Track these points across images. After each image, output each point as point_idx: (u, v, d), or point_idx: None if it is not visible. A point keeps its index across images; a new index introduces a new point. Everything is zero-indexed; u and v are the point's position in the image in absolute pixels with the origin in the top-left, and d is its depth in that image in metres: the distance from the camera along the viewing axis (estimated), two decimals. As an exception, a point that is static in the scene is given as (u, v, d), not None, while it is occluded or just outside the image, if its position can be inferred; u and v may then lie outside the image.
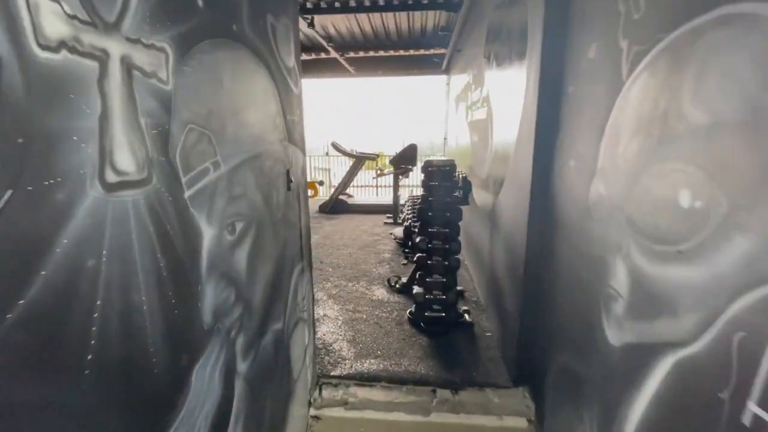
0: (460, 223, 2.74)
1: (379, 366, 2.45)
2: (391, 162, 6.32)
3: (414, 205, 4.88)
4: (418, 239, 2.73)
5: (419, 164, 7.13)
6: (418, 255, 2.75)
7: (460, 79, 5.72)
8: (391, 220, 6.60)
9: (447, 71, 7.66)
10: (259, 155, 1.48)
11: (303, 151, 2.06)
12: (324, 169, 12.80)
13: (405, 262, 4.42)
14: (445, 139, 7.81)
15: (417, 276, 2.84)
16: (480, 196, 3.48)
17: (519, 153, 2.24)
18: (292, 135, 1.86)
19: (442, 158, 2.76)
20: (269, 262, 1.57)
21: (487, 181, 3.16)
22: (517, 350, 2.20)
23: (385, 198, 9.00)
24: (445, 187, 2.67)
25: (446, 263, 2.71)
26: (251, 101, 1.42)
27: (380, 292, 3.62)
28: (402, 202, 6.96)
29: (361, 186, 11.12)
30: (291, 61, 1.86)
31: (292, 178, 1.81)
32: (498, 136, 2.82)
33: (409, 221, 3.59)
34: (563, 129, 1.73)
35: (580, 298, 1.49)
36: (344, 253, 4.87)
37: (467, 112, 4.70)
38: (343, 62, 7.61)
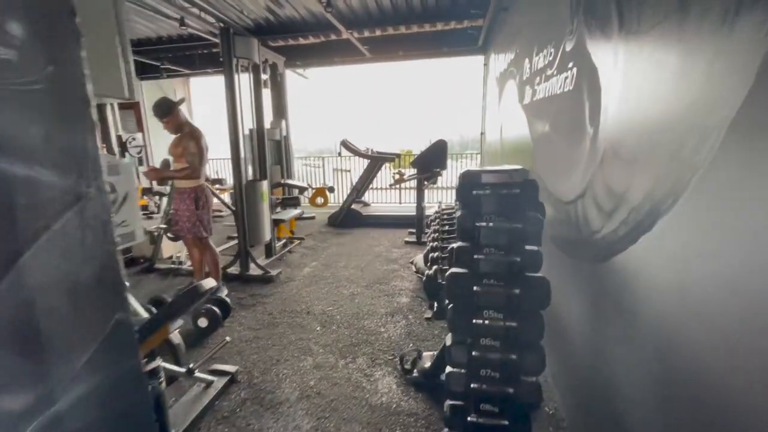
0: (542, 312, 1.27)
1: None
2: (414, 164, 4.88)
3: (442, 226, 3.42)
4: (451, 343, 1.29)
5: (452, 165, 5.61)
6: (449, 372, 1.32)
7: (505, 53, 4.18)
8: (413, 238, 5.16)
9: (485, 47, 6.09)
10: None
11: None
12: (344, 171, 11.45)
13: (429, 315, 2.98)
14: (482, 134, 6.26)
15: (451, 411, 1.39)
16: (562, 231, 1.98)
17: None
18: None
19: (503, 167, 1.23)
20: None
21: (583, 203, 1.66)
22: None
23: (410, 205, 7.55)
24: (512, 231, 1.21)
25: (511, 391, 1.26)
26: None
27: (387, 385, 2.20)
28: (429, 213, 5.50)
29: (382, 189, 9.57)
30: None
31: None
32: (622, 111, 1.33)
33: (434, 268, 2.16)
34: None
35: None
36: (345, 295, 3.48)
37: (521, 91, 3.18)
38: (357, 43, 6.23)
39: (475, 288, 1.23)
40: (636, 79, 1.25)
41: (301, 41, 6.48)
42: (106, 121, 4.59)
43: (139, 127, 7.31)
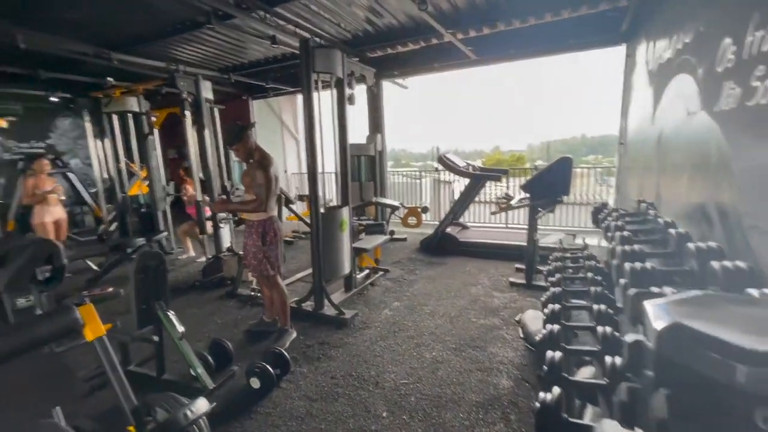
0: None
1: None
2: (526, 188, 3.89)
3: (565, 283, 2.43)
4: None
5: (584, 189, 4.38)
6: None
7: (671, 35, 2.93)
8: (522, 279, 4.14)
9: (630, 33, 4.70)
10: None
11: None
12: (444, 182, 10.59)
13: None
14: (621, 143, 4.83)
15: None
16: None
17: None
18: None
19: None
20: None
21: None
22: None
23: (518, 229, 6.42)
24: None
25: None
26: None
27: None
28: (545, 244, 4.39)
29: (483, 202, 8.22)
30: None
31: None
32: None
33: (557, 393, 1.31)
34: None
35: None
36: (426, 360, 2.75)
37: (710, 90, 2.02)
38: (460, 45, 5.46)
39: None
40: None
41: (399, 49, 5.99)
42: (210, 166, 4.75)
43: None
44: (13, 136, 7.26)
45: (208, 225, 4.64)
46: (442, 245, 5.53)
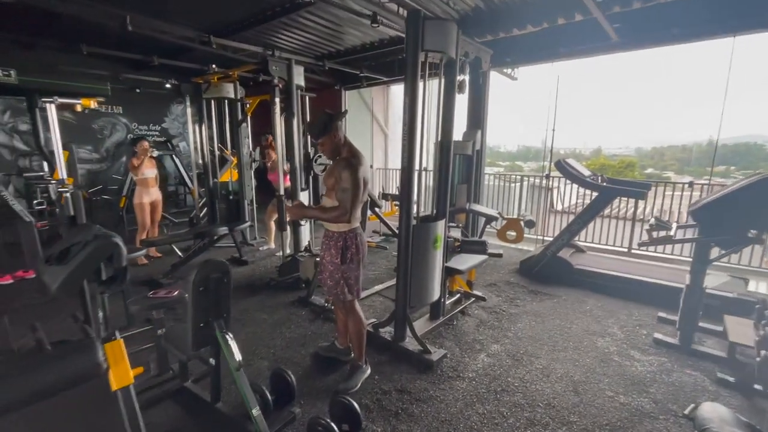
0: None
1: None
2: (698, 216, 2.77)
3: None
4: None
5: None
6: None
7: None
8: (673, 339, 3.02)
9: None
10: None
11: None
12: (546, 189, 9.17)
13: None
14: None
15: None
16: None
17: None
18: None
19: None
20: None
21: None
22: None
23: (656, 260, 5.07)
24: None
25: None
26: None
27: None
28: (714, 291, 3.15)
29: (606, 217, 6.66)
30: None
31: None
32: None
33: None
34: None
35: None
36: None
37: None
38: (604, 23, 4.31)
39: None
40: None
41: (515, 32, 5.03)
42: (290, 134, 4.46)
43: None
44: (136, 118, 7.98)
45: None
46: (549, 271, 4.54)
